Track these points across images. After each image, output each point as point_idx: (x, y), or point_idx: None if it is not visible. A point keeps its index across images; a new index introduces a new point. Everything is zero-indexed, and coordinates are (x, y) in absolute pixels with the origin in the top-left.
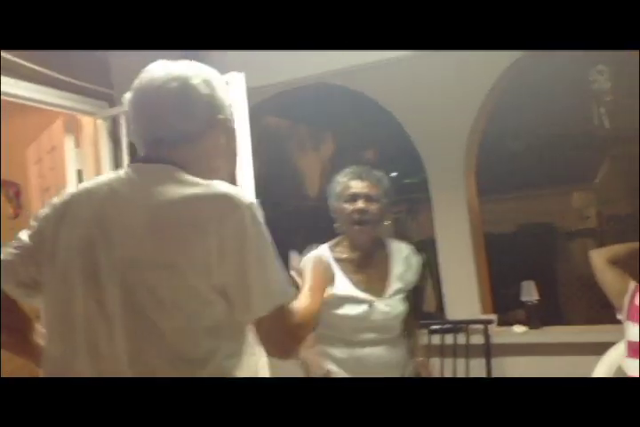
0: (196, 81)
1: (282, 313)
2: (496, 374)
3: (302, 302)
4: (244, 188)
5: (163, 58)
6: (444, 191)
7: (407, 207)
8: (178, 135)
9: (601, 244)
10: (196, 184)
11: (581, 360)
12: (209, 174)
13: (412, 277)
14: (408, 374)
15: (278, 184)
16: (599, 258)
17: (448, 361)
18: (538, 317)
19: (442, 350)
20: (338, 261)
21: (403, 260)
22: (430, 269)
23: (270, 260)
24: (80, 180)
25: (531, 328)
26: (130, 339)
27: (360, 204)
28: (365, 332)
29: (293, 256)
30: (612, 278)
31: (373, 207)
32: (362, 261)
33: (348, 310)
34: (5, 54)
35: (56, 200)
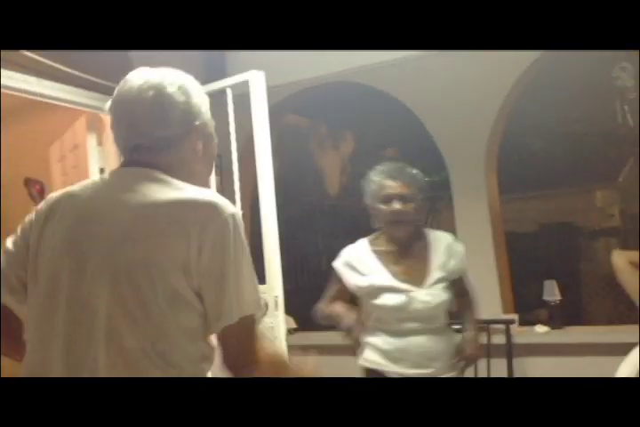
0: (171, 89)
1: (247, 324)
2: (518, 374)
3: (279, 352)
4: (264, 186)
5: (184, 57)
6: (466, 190)
7: (428, 206)
8: (155, 142)
9: (624, 242)
10: (181, 188)
11: (604, 361)
12: (188, 179)
13: (455, 265)
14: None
15: (298, 182)
16: (621, 259)
17: None
18: (560, 316)
19: None
20: (376, 253)
21: (444, 249)
22: None
23: (246, 270)
24: None
25: (552, 328)
26: (110, 339)
27: (395, 205)
28: (407, 321)
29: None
30: (633, 280)
31: (409, 207)
32: (400, 252)
33: (387, 300)
34: (30, 54)
35: (40, 205)
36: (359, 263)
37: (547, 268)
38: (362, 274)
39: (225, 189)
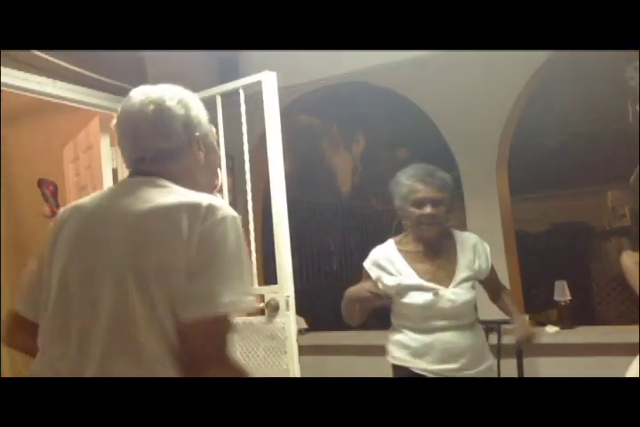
0: (170, 103)
1: (209, 325)
2: (528, 374)
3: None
4: (275, 186)
5: (197, 58)
6: (477, 190)
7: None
8: (158, 153)
9: (636, 243)
10: (181, 193)
11: (615, 361)
12: (193, 187)
13: (482, 264)
14: (487, 356)
15: (310, 182)
16: (630, 260)
17: None
18: (570, 317)
19: None
20: (403, 252)
21: (470, 248)
22: None
23: (228, 271)
24: (115, 178)
25: (563, 328)
26: (115, 339)
27: (428, 209)
28: (433, 319)
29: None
30: None
31: (440, 210)
32: (427, 252)
33: (414, 298)
34: (44, 55)
35: (54, 218)
36: (387, 263)
37: (557, 268)
38: (390, 273)
39: (237, 189)
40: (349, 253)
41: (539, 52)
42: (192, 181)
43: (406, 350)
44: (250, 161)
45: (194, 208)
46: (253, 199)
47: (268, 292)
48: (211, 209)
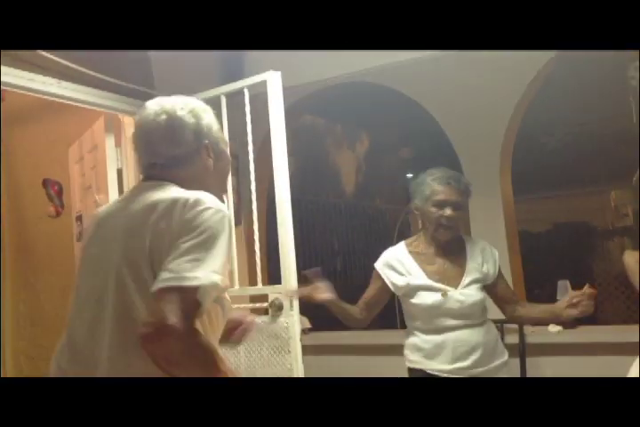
0: (181, 113)
1: (172, 295)
2: (531, 373)
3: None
4: (280, 186)
5: (202, 57)
6: (480, 190)
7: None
8: (168, 159)
9: (637, 242)
10: (179, 191)
11: (617, 360)
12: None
13: (489, 268)
14: (500, 353)
15: (314, 182)
16: (632, 259)
17: None
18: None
19: None
20: (413, 254)
21: (479, 252)
22: None
23: (203, 254)
24: (120, 179)
25: (565, 328)
26: (118, 324)
27: (448, 211)
28: (441, 319)
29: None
30: None
31: (459, 214)
32: (438, 254)
33: (423, 298)
34: (49, 55)
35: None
36: (397, 263)
37: (560, 267)
38: (400, 274)
39: (241, 188)
40: (353, 252)
41: (541, 53)
42: (201, 185)
43: (420, 353)
44: (254, 161)
45: (182, 202)
46: (258, 199)
47: (272, 291)
48: (196, 202)
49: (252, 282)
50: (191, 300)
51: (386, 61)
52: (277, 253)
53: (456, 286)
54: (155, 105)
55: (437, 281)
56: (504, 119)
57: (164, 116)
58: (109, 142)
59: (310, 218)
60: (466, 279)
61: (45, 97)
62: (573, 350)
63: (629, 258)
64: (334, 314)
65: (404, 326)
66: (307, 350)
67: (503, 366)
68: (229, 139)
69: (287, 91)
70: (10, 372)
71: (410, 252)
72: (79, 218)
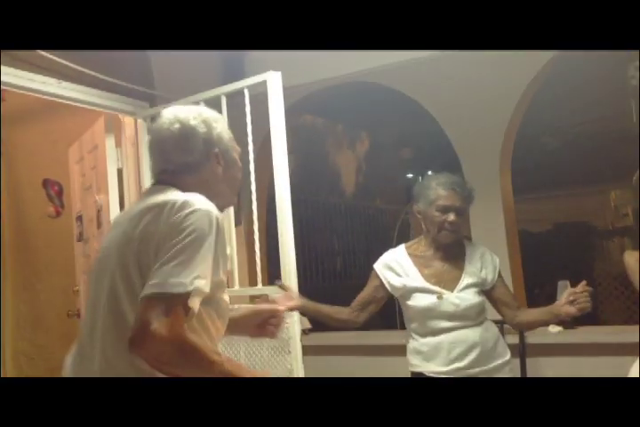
0: (194, 122)
1: (154, 302)
2: (531, 373)
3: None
4: (280, 186)
5: (203, 57)
6: (480, 190)
7: None
8: (179, 166)
9: (638, 242)
10: (173, 194)
11: (617, 361)
12: (212, 198)
13: (488, 274)
14: (500, 353)
15: (314, 182)
16: (632, 259)
17: None
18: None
19: None
20: (412, 256)
21: (478, 257)
22: None
23: (189, 258)
24: (120, 179)
25: (566, 328)
26: (109, 324)
27: (452, 216)
28: (436, 320)
29: None
30: None
31: (462, 219)
32: (436, 257)
33: (418, 300)
34: (49, 55)
35: None
36: (396, 265)
37: (560, 268)
38: (398, 275)
39: (241, 189)
40: (353, 252)
41: (541, 53)
42: (209, 192)
43: (420, 356)
44: (254, 161)
45: (171, 204)
46: (258, 199)
47: (273, 292)
48: (184, 204)
49: (252, 282)
50: (176, 306)
51: (386, 61)
52: (277, 253)
53: (452, 290)
54: (169, 114)
55: (434, 284)
56: (504, 119)
57: (177, 125)
58: (109, 142)
59: (310, 218)
60: (462, 283)
61: (45, 97)
62: (573, 350)
63: (629, 258)
64: (315, 318)
65: (403, 327)
66: (307, 350)
67: (504, 365)
68: None
69: (287, 91)
70: (10, 372)
71: (409, 254)
72: (79, 218)
